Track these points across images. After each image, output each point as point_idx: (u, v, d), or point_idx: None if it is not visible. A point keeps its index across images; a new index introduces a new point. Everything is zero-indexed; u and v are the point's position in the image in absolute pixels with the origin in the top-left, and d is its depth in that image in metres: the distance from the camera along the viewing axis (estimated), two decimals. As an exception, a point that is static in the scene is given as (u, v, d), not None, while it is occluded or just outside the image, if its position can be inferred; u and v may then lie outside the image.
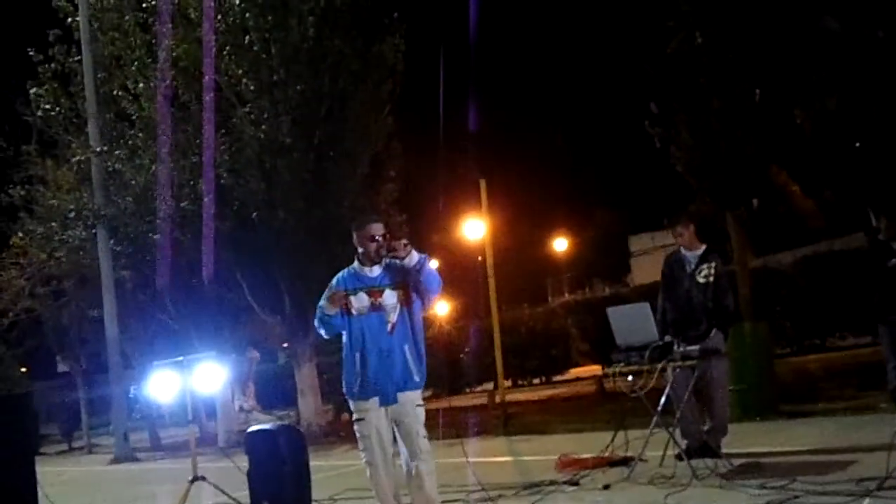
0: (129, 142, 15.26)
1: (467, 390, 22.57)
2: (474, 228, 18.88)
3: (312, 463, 6.75)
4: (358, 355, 4.95)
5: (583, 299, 23.14)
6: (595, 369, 20.88)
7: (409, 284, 4.90)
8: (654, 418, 6.66)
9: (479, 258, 18.88)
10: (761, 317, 10.77)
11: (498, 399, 12.78)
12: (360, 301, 4.94)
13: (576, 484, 6.56)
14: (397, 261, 4.87)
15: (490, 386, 18.58)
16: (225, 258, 14.87)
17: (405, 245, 4.84)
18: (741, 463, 6.51)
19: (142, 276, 16.26)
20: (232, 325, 17.30)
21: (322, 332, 5.11)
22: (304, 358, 15.59)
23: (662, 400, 6.65)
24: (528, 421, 12.45)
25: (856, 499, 4.84)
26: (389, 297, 4.89)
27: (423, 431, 4.92)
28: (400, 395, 4.90)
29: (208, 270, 14.58)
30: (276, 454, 6.54)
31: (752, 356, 8.88)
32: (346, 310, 4.94)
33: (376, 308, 4.91)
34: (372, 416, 4.95)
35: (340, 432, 15.15)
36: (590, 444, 9.00)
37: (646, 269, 36.47)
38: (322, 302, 5.04)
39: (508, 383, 22.60)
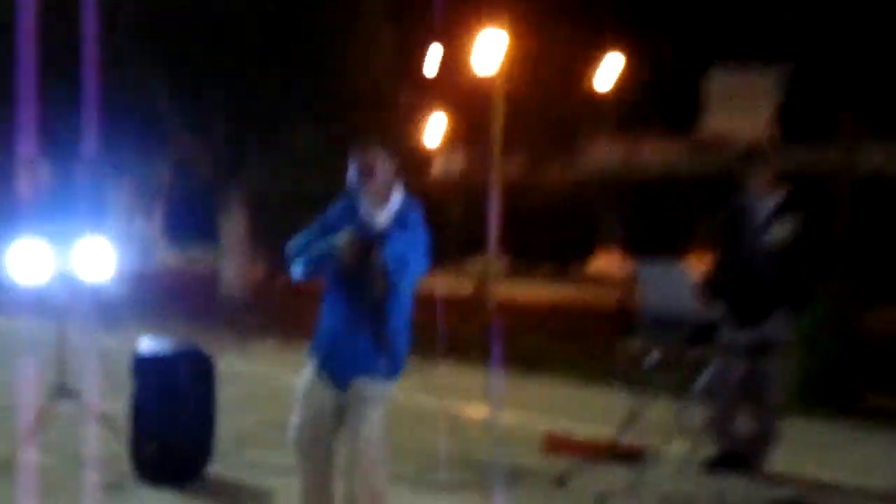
0: None
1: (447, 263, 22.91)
2: (489, 46, 18.47)
3: (223, 364, 6.98)
4: (328, 310, 5.13)
5: (625, 171, 23.15)
6: (623, 266, 21.23)
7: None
8: (680, 409, 6.85)
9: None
10: (853, 269, 10.84)
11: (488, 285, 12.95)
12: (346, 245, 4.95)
13: (562, 484, 6.82)
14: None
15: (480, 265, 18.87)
16: (137, 48, 14.73)
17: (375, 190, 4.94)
18: (784, 495, 6.74)
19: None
20: (140, 134, 17.32)
21: (300, 270, 5.16)
22: (232, 203, 15.74)
23: (697, 386, 6.81)
24: (522, 343, 12.75)
25: None
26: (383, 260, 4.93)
27: (371, 434, 5.01)
28: (355, 383, 5.05)
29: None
30: (173, 389, 6.71)
31: (828, 332, 9.04)
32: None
33: (366, 266, 4.92)
34: (315, 386, 5.15)
35: (271, 308, 15.50)
36: (593, 406, 9.32)
37: (723, 118, 36.31)
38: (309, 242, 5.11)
39: (505, 263, 23.10)
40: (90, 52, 14.39)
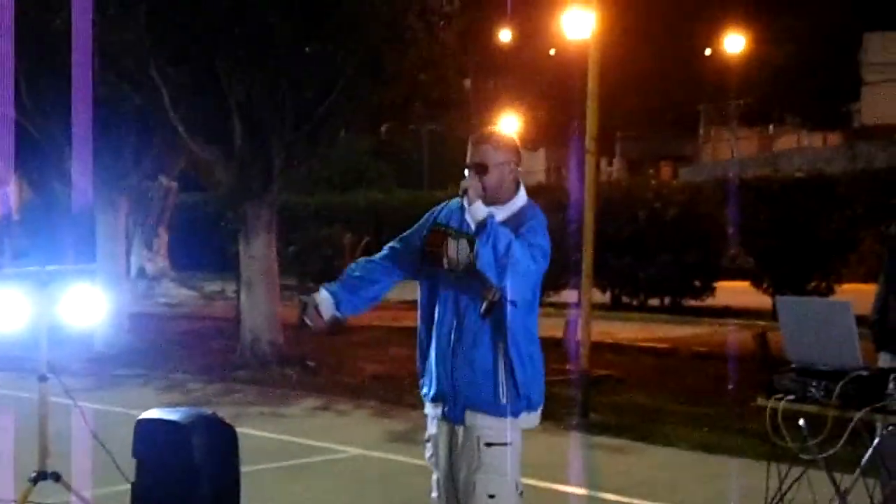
0: None
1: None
2: (577, 24, 18.66)
3: (248, 431, 6.96)
4: (434, 330, 5.43)
5: (756, 173, 22.95)
6: (757, 302, 20.97)
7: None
8: (841, 488, 6.73)
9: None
10: None
11: (580, 335, 12.90)
12: (459, 251, 5.33)
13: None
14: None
15: (573, 297, 18.80)
16: (130, 32, 14.92)
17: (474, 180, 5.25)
18: None
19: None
20: (136, 142, 17.55)
21: None
22: (256, 225, 15.83)
23: (861, 464, 6.69)
24: (624, 400, 12.64)
25: None
26: None
27: (492, 489, 5.21)
28: (469, 415, 5.28)
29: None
30: (185, 469, 6.72)
31: None
32: (434, 254, 5.41)
33: (476, 271, 5.22)
34: (435, 429, 5.46)
35: (307, 359, 15.55)
36: (723, 483, 9.16)
37: (886, 100, 35.74)
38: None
39: (604, 297, 22.97)
40: (78, 38, 14.60)
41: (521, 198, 5.38)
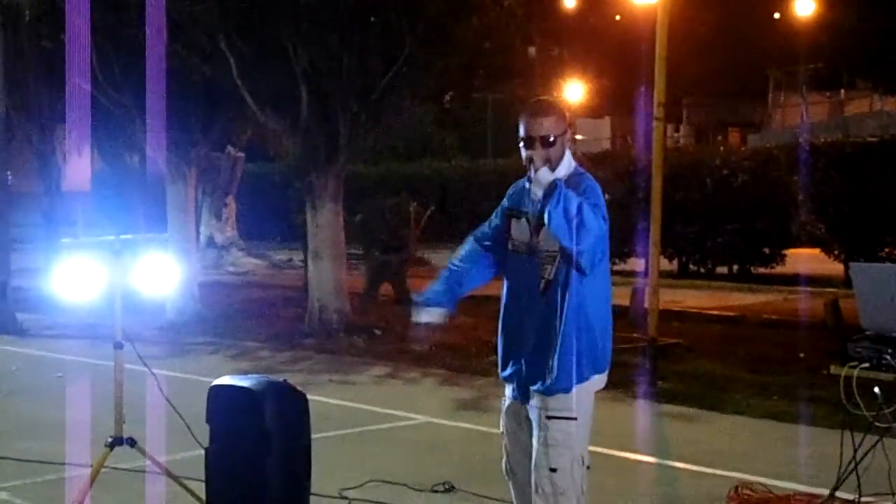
0: None
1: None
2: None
3: (317, 398, 6.98)
4: (503, 308, 5.50)
5: (828, 137, 22.60)
6: (828, 269, 20.81)
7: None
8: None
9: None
10: None
11: (648, 303, 12.88)
12: (520, 231, 5.42)
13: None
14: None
15: (640, 265, 18.79)
16: (199, 4, 15.05)
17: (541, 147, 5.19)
18: None
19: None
20: (206, 114, 17.69)
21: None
22: (323, 195, 15.90)
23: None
24: (692, 368, 12.59)
25: None
26: (550, 241, 5.22)
27: (554, 463, 5.22)
28: (533, 394, 5.32)
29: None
30: (257, 435, 6.77)
31: None
32: (505, 239, 5.52)
33: (533, 250, 5.33)
34: (506, 405, 5.54)
35: (374, 328, 15.64)
36: (794, 450, 9.11)
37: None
38: None
39: (671, 265, 22.87)
40: (151, 10, 14.74)
41: (569, 162, 5.31)
